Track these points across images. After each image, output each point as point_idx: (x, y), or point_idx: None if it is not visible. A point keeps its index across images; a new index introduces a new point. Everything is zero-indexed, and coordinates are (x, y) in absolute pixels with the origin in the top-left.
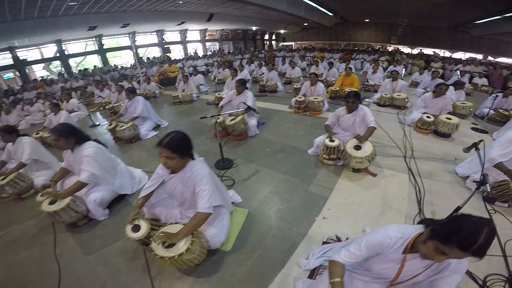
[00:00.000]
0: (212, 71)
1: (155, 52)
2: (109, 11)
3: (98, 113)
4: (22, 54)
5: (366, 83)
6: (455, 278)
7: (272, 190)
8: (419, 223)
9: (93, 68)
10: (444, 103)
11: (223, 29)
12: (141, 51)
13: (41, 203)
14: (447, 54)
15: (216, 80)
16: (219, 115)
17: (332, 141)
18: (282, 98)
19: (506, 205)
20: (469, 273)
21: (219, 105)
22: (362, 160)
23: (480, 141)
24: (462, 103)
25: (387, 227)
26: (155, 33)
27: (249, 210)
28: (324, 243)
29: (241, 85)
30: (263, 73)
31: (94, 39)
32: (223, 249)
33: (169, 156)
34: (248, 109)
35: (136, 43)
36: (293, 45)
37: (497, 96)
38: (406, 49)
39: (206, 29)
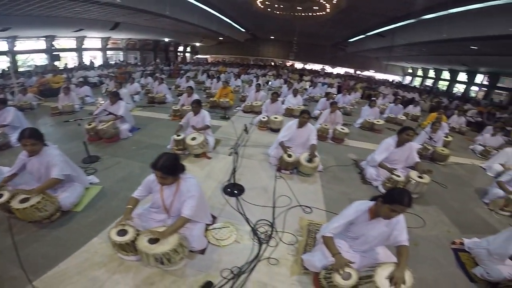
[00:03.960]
0: (106, 83)
1: (40, 59)
2: None
3: None
4: None
5: (242, 94)
6: (190, 202)
7: (127, 173)
8: None
9: None
10: (277, 107)
11: (130, 38)
12: (21, 57)
13: None
14: (330, 69)
15: (105, 92)
16: (81, 119)
17: (178, 135)
18: (169, 108)
19: (288, 172)
20: (246, 219)
21: (93, 114)
22: (196, 147)
23: (246, 125)
24: (298, 107)
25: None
26: (44, 38)
27: (103, 186)
28: None
29: (114, 97)
30: None
31: None
32: (75, 210)
33: (31, 143)
34: (112, 115)
35: (16, 48)
36: (208, 59)
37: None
38: (300, 65)
39: (109, 37)
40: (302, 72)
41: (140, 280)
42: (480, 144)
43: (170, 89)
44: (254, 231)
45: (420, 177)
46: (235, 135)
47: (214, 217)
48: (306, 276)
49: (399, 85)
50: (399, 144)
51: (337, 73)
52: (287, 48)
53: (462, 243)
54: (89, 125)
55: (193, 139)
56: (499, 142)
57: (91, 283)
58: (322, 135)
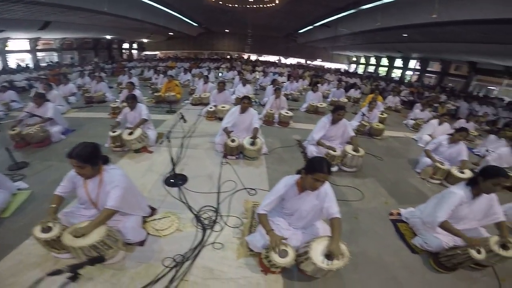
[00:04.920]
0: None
1: None
2: None
3: None
4: None
5: (192, 87)
6: (114, 192)
7: (59, 176)
8: None
9: None
10: (225, 96)
11: (64, 38)
12: None
13: None
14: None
15: None
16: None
17: (114, 132)
18: (108, 107)
19: (234, 157)
20: (189, 207)
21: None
22: (134, 142)
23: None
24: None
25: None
26: None
27: (32, 191)
28: None
29: (39, 98)
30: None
31: None
32: (3, 216)
33: None
34: (39, 118)
35: None
36: (158, 55)
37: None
38: (254, 57)
39: (39, 37)
40: (255, 64)
41: None
42: (411, 119)
43: (111, 87)
44: (198, 217)
45: (355, 150)
46: (181, 128)
47: (153, 209)
48: (253, 258)
49: (344, 72)
50: (334, 122)
51: (290, 63)
52: (242, 41)
53: (399, 214)
54: (13, 130)
55: (130, 133)
56: (427, 116)
57: (28, 283)
58: (268, 120)
